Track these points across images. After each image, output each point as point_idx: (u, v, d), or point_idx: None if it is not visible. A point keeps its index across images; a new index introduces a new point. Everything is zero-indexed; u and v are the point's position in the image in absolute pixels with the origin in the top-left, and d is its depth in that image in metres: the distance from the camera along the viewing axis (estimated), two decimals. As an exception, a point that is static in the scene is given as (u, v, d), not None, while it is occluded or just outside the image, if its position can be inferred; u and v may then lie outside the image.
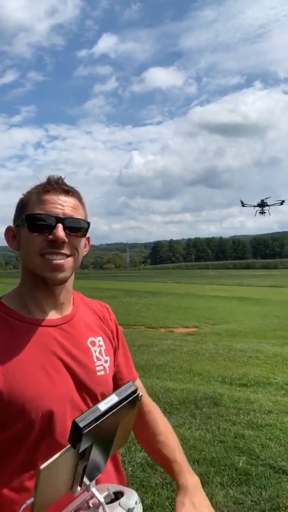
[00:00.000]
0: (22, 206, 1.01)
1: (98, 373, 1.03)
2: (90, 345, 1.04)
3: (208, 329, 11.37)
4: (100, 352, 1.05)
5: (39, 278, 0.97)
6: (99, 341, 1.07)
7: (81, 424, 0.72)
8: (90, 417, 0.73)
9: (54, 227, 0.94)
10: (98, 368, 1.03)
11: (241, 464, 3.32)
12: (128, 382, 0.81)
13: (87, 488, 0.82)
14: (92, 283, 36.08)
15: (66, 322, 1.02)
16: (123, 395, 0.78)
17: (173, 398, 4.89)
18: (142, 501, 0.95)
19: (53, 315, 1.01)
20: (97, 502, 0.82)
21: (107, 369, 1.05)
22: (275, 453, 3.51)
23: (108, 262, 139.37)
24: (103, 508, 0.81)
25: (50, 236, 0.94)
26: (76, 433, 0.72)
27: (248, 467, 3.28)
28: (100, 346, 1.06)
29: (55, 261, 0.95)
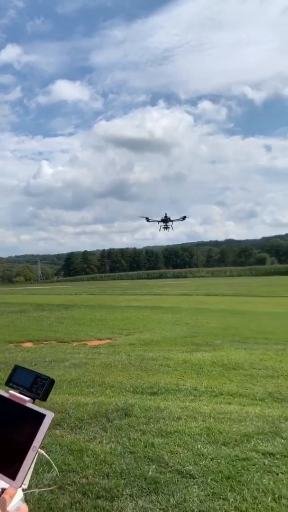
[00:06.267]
0: None
1: None
2: None
3: (122, 339, 11.43)
4: None
5: None
6: None
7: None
8: None
9: None
10: None
11: (150, 473, 3.35)
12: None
13: None
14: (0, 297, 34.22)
15: None
16: None
17: (84, 412, 4.80)
18: None
19: None
20: None
21: None
22: (183, 458, 3.61)
23: (18, 275, 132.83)
24: None
25: None
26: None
27: (157, 475, 3.33)
28: None
29: None
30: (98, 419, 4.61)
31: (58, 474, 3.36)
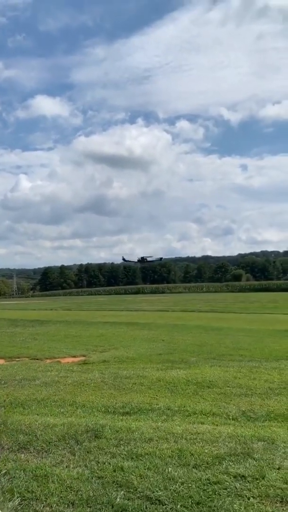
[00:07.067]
0: None
1: None
2: None
3: (96, 357, 11.21)
4: None
5: None
6: None
7: None
8: None
9: None
10: None
11: (118, 500, 3.21)
12: None
13: None
14: (-26, 312, 33.31)
15: None
16: None
17: (52, 434, 4.61)
18: None
19: None
20: None
21: None
22: (153, 483, 3.48)
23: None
24: None
25: None
26: None
27: (125, 502, 3.19)
28: None
29: None
30: (67, 441, 4.43)
31: (20, 503, 3.18)
